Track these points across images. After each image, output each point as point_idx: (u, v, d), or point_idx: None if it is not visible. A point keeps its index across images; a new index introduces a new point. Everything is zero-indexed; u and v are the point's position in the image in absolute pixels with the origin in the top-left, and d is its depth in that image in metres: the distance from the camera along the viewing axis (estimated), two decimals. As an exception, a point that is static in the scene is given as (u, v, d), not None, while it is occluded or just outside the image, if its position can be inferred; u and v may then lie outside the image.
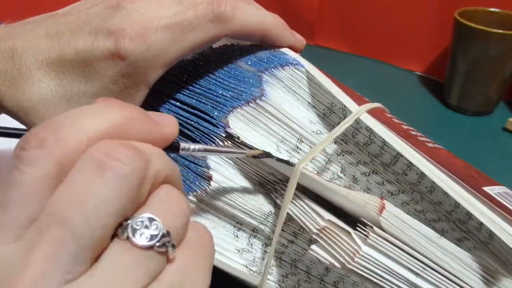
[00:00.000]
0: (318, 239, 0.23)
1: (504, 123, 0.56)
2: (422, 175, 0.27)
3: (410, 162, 0.26)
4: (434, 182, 0.25)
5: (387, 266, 0.22)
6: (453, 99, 0.59)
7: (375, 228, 0.22)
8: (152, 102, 0.29)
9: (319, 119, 0.29)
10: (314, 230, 0.24)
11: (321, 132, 0.28)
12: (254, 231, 0.28)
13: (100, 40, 0.25)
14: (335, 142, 0.28)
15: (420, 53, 0.69)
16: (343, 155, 0.28)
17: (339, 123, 0.28)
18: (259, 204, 0.28)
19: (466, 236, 0.28)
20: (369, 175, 0.28)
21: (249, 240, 0.28)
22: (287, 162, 0.25)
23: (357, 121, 0.27)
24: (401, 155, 0.26)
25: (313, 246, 0.23)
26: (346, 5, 0.74)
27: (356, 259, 0.22)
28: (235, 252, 0.28)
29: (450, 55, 0.58)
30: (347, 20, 0.77)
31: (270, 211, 0.28)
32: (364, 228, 0.22)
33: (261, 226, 0.28)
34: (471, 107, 0.59)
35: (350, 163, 0.28)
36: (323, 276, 0.28)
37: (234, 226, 0.28)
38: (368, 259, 0.22)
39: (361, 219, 0.23)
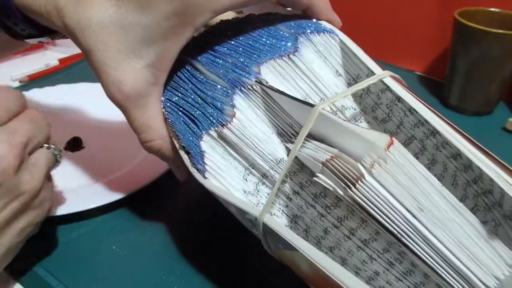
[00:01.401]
0: (325, 167, 0.24)
1: (504, 123, 0.57)
2: (433, 162, 0.27)
3: (423, 138, 0.26)
4: (443, 171, 0.25)
5: (387, 200, 0.22)
6: (453, 99, 0.60)
7: (381, 161, 0.22)
8: (195, 52, 0.32)
9: (344, 87, 0.30)
10: (322, 160, 0.24)
11: (344, 96, 0.30)
12: (263, 177, 0.29)
13: None
14: (355, 109, 0.29)
15: (420, 53, 0.69)
16: (360, 121, 0.29)
17: (361, 95, 0.29)
18: (273, 149, 0.29)
19: None
20: None
21: (257, 186, 0.29)
22: (307, 103, 0.27)
23: (379, 96, 0.28)
24: (427, 122, 0.27)
25: (319, 174, 0.24)
26: (345, 5, 0.74)
27: (358, 186, 0.22)
28: (242, 192, 0.29)
29: (450, 55, 0.59)
30: (346, 20, 0.77)
31: (282, 158, 0.29)
32: (370, 161, 0.23)
33: (271, 172, 0.29)
34: (471, 107, 0.59)
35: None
36: (320, 239, 0.28)
37: (246, 169, 0.29)
38: (370, 189, 0.22)
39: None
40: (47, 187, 0.32)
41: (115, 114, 0.52)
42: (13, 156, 0.27)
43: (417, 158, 0.28)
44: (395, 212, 0.22)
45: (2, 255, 0.29)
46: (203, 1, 0.29)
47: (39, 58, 0.71)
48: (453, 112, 0.60)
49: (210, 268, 0.35)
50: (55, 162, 0.33)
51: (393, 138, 0.23)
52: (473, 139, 0.25)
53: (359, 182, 0.22)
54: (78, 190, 0.42)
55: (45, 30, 0.34)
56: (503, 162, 0.24)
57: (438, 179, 0.28)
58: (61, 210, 0.38)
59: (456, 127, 0.26)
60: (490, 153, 0.25)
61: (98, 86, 0.58)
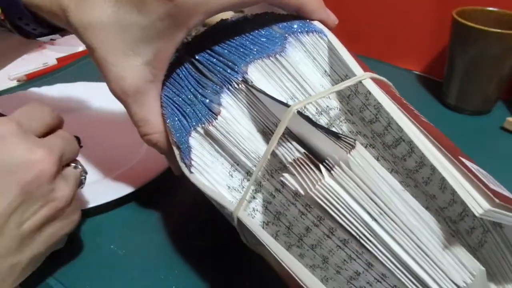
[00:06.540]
0: (291, 167, 0.24)
1: (502, 123, 0.57)
2: (420, 164, 0.27)
3: (411, 140, 0.26)
4: (431, 174, 0.25)
5: (346, 202, 0.23)
6: (451, 98, 0.60)
7: (341, 163, 0.23)
8: (194, 51, 0.34)
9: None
10: (289, 160, 0.25)
11: (329, 97, 0.30)
12: (248, 174, 0.30)
13: None
14: (340, 110, 0.30)
15: (419, 52, 0.69)
16: (345, 122, 0.30)
17: (349, 96, 0.29)
18: (256, 147, 0.29)
19: (454, 236, 0.28)
20: (365, 147, 0.29)
21: (241, 183, 0.30)
22: (283, 103, 0.27)
23: (367, 98, 0.28)
24: (403, 133, 0.26)
25: (285, 174, 0.25)
26: (344, 5, 0.74)
27: (317, 186, 0.23)
28: (226, 188, 0.30)
29: (448, 54, 0.59)
30: (345, 19, 0.77)
31: None
32: (332, 163, 0.23)
33: (254, 169, 0.29)
34: (469, 107, 0.59)
35: (350, 132, 0.29)
36: (302, 236, 0.28)
37: (231, 166, 0.30)
38: (329, 190, 0.23)
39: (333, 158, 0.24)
40: (75, 202, 0.33)
41: (113, 114, 0.53)
42: (51, 162, 0.29)
43: (404, 160, 0.28)
44: (353, 214, 0.23)
45: (28, 262, 0.30)
46: (195, 4, 0.30)
47: (37, 58, 0.71)
48: (451, 112, 0.60)
49: (208, 268, 0.35)
50: (80, 184, 0.35)
51: (356, 141, 0.23)
52: (449, 153, 0.24)
53: (319, 183, 0.23)
54: (76, 189, 0.41)
55: (55, 27, 0.36)
56: (479, 180, 0.23)
57: (425, 182, 0.28)
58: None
59: (431, 137, 0.25)
60: (467, 171, 0.24)
61: (96, 85, 0.59)
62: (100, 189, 0.41)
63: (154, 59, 0.32)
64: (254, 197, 0.29)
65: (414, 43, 0.69)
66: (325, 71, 0.31)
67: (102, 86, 0.55)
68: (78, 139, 0.50)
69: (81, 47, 0.74)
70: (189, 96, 0.32)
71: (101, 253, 0.36)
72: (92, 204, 0.39)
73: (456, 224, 0.27)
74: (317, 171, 0.23)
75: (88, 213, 0.39)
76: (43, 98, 0.56)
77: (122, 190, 0.41)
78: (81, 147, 0.49)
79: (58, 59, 0.70)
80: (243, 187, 0.30)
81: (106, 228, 0.39)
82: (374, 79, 0.28)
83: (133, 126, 0.35)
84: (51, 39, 0.38)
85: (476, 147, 0.54)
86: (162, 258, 0.36)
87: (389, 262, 0.23)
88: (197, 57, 0.33)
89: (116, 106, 0.51)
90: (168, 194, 0.43)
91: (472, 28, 0.53)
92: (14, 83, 0.64)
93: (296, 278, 0.24)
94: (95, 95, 0.56)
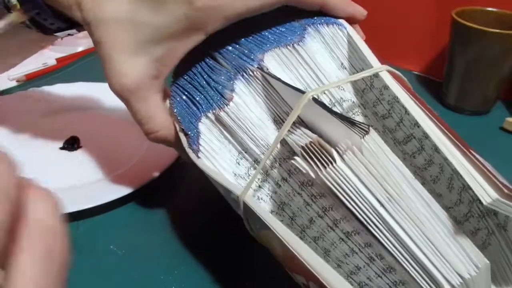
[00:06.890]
0: (302, 151, 0.24)
1: (501, 123, 0.57)
2: (429, 162, 0.27)
3: (422, 138, 0.26)
4: (440, 173, 0.25)
5: (355, 186, 0.22)
6: (451, 98, 0.60)
7: (354, 148, 0.23)
8: (209, 39, 0.33)
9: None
10: (300, 144, 0.25)
11: (344, 89, 0.30)
12: (255, 162, 0.30)
13: None
14: (353, 102, 0.30)
15: (418, 52, 0.69)
16: (357, 115, 0.30)
17: (364, 89, 0.28)
18: (266, 135, 0.29)
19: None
20: None
21: (248, 171, 0.30)
22: (298, 90, 0.27)
23: (381, 93, 0.28)
24: (418, 125, 0.26)
25: (296, 157, 0.25)
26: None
27: (328, 169, 0.23)
28: (232, 175, 0.30)
29: (448, 54, 0.59)
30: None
31: None
32: (344, 148, 0.23)
33: (263, 157, 0.29)
34: (468, 107, 0.59)
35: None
36: (305, 228, 0.28)
37: (239, 153, 0.30)
38: (339, 174, 0.23)
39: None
40: None
41: (113, 114, 0.53)
42: None
43: (414, 157, 0.28)
44: (362, 199, 0.23)
45: None
46: (216, 9, 0.30)
47: (37, 58, 0.71)
48: (451, 112, 0.60)
49: (208, 268, 0.35)
50: None
51: (370, 127, 0.23)
52: (462, 147, 0.25)
53: (330, 166, 0.23)
54: (75, 190, 0.41)
55: (73, 22, 0.36)
56: (489, 172, 0.23)
57: (433, 181, 0.28)
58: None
59: (447, 132, 0.25)
60: (479, 163, 0.24)
61: (95, 85, 0.59)
62: (100, 189, 0.41)
63: (162, 57, 0.32)
64: (259, 186, 0.29)
65: (414, 43, 0.70)
66: (342, 63, 0.31)
67: (102, 86, 0.55)
68: (77, 139, 0.50)
69: (81, 47, 0.74)
70: (201, 83, 0.32)
71: (100, 253, 0.36)
72: (92, 204, 0.39)
73: (461, 225, 0.27)
74: (328, 155, 0.23)
75: (88, 213, 0.39)
76: (43, 98, 0.56)
77: (122, 190, 0.41)
78: (80, 147, 0.49)
79: (58, 59, 0.70)
80: (249, 175, 0.30)
81: (106, 228, 0.39)
82: (390, 72, 0.29)
83: (133, 126, 0.35)
84: (69, 34, 0.38)
85: (475, 147, 0.54)
86: (162, 258, 0.36)
87: (394, 249, 0.23)
88: (212, 45, 0.33)
89: (116, 106, 0.51)
90: (167, 195, 0.43)
91: (471, 28, 0.53)
92: (14, 84, 0.64)
93: (302, 260, 0.24)
94: (95, 95, 0.56)
